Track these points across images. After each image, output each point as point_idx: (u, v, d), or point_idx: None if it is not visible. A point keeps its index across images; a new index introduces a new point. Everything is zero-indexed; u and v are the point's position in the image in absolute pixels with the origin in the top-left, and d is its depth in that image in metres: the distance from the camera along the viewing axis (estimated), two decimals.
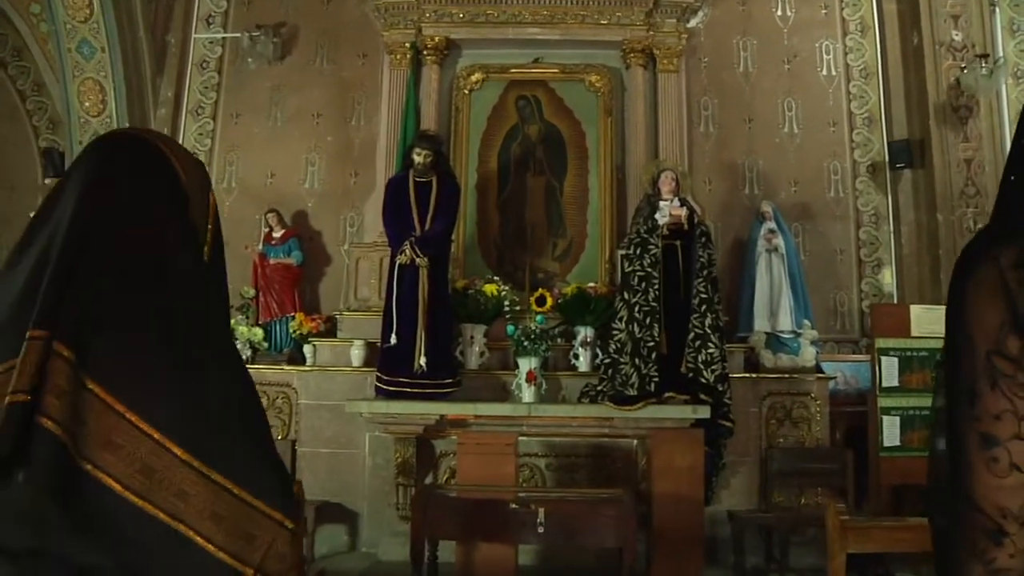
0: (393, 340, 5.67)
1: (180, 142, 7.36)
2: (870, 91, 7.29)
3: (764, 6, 7.46)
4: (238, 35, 7.40)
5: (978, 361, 0.90)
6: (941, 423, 0.97)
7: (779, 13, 7.46)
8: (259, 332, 6.49)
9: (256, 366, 6.35)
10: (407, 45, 7.09)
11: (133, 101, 7.07)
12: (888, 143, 7.04)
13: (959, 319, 0.93)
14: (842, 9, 7.45)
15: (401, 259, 5.75)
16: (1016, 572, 0.88)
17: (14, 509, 0.86)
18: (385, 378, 5.68)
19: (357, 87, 7.39)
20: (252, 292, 6.68)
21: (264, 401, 6.33)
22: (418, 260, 5.74)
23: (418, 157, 5.83)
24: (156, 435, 0.91)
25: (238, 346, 6.33)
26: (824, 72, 7.34)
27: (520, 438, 5.40)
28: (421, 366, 5.66)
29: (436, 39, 7.07)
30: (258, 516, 0.95)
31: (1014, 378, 0.87)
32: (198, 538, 0.91)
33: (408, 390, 5.63)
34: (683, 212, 5.87)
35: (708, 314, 5.68)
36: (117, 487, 0.89)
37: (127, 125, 6.94)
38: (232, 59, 7.52)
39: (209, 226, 1.11)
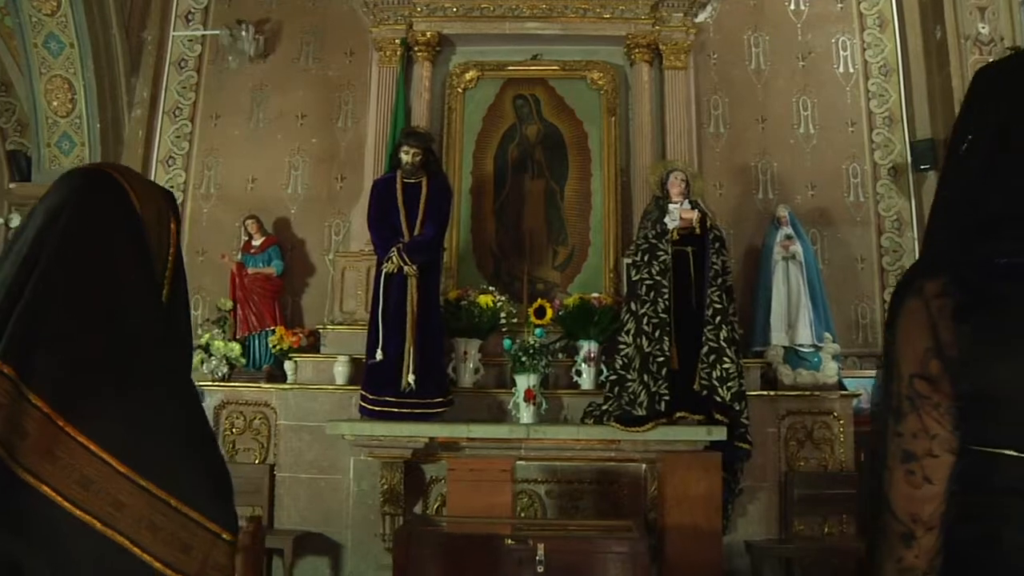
0: (379, 356, 5.18)
1: (156, 144, 6.97)
2: (890, 89, 6.84)
3: (776, 0, 7.03)
4: (218, 32, 6.97)
5: (903, 384, 1.03)
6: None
7: (792, 7, 7.03)
8: (236, 347, 6.00)
9: (232, 384, 5.89)
10: (397, 41, 6.66)
11: (105, 101, 6.63)
12: (911, 143, 6.58)
13: (890, 345, 1.07)
14: (859, 3, 7.02)
15: (387, 267, 5.28)
16: (919, 571, 1.02)
17: None
18: (370, 397, 5.20)
19: (344, 87, 6.95)
20: (229, 304, 6.20)
21: (240, 422, 5.93)
22: (406, 268, 5.27)
23: (406, 156, 5.37)
24: (94, 447, 0.95)
25: (214, 362, 5.88)
26: (841, 69, 6.89)
27: (518, 463, 4.97)
28: (409, 384, 5.17)
29: (428, 34, 6.64)
30: (195, 527, 1.00)
31: (930, 399, 1.00)
32: (134, 548, 0.96)
33: (395, 410, 5.13)
34: (695, 215, 5.40)
35: (723, 326, 5.19)
36: (53, 495, 0.94)
37: (98, 125, 6.53)
38: (212, 58, 7.09)
39: (171, 252, 1.15)
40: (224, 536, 1.01)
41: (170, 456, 1.00)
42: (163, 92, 7.02)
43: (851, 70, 6.88)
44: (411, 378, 5.17)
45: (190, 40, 7.14)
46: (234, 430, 5.81)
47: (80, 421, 0.96)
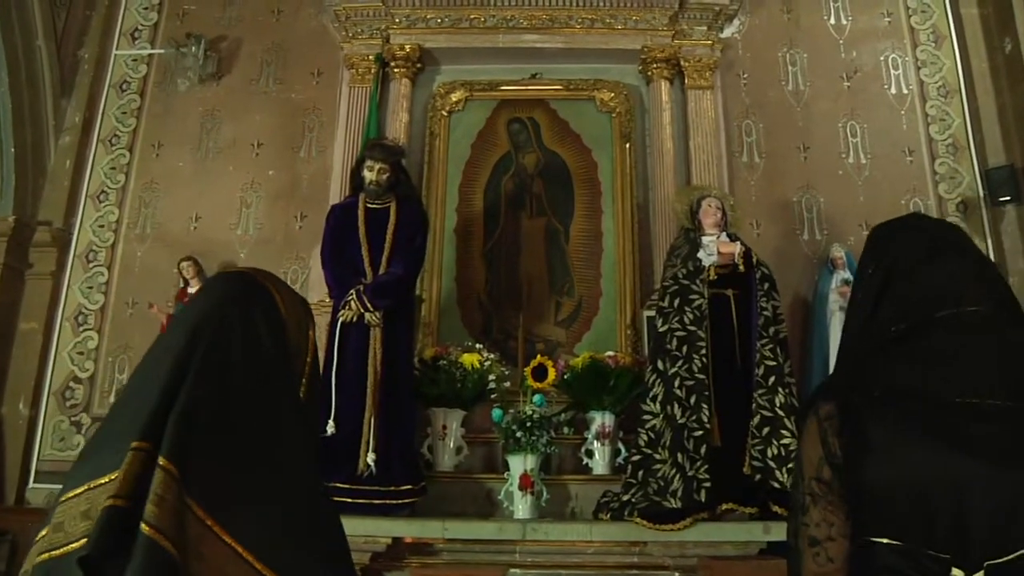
0: (330, 429, 3.98)
1: (87, 176, 5.84)
2: (952, 112, 5.79)
3: (813, 14, 6.06)
4: (163, 51, 5.99)
5: (806, 484, 1.31)
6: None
7: (832, 21, 6.05)
8: None
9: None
10: (371, 58, 5.66)
11: (25, 123, 5.58)
12: (985, 172, 5.49)
13: (797, 454, 1.36)
14: (909, 16, 6.05)
15: (344, 315, 4.13)
16: None
17: None
18: None
19: (309, 111, 5.91)
20: None
21: None
22: (368, 316, 4.11)
23: (369, 172, 4.28)
24: (239, 548, 0.99)
25: None
26: (893, 90, 5.86)
27: (511, 571, 3.83)
28: (369, 466, 3.97)
29: (407, 48, 5.65)
30: None
31: (826, 496, 1.29)
32: None
33: (349, 500, 3.88)
34: (736, 248, 4.27)
35: (778, 389, 3.98)
36: None
37: (12, 151, 5.47)
38: (159, 80, 6.09)
39: (308, 360, 1.23)
40: None
41: (307, 560, 1.04)
42: (99, 117, 5.98)
43: (904, 91, 5.85)
44: (371, 458, 3.97)
45: (134, 60, 6.15)
46: None
47: (227, 522, 0.99)
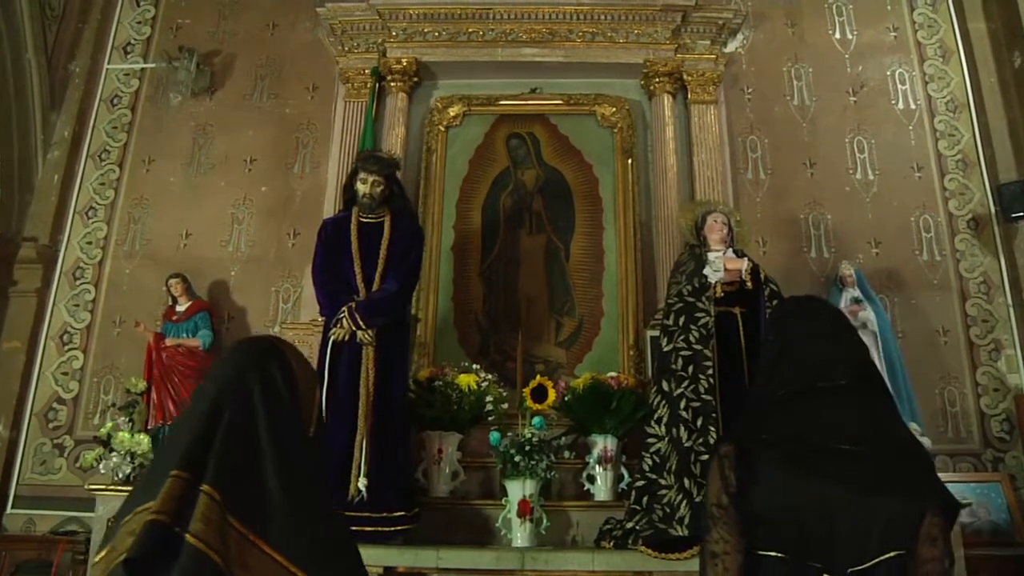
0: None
1: (75, 191, 5.67)
2: (961, 127, 5.67)
3: (818, 28, 5.96)
4: (154, 65, 5.88)
5: (709, 509, 1.66)
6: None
7: (837, 36, 5.94)
8: (145, 441, 4.58)
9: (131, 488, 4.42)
10: (367, 72, 5.54)
11: (12, 137, 5.45)
12: (997, 188, 5.35)
13: (705, 488, 1.74)
14: (916, 31, 5.94)
15: (336, 333, 3.96)
16: None
17: None
18: None
19: (303, 126, 5.79)
20: (142, 386, 4.84)
21: None
22: (360, 334, 3.94)
23: (363, 185, 4.12)
24: (279, 557, 1.16)
25: (115, 460, 4.56)
26: (900, 105, 5.74)
27: None
28: (360, 492, 3.78)
29: (404, 62, 5.53)
30: None
31: (722, 519, 1.63)
32: None
33: None
34: (743, 264, 4.10)
35: None
36: None
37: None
38: (151, 94, 5.97)
39: (315, 412, 1.42)
40: None
41: (339, 568, 1.25)
42: (89, 131, 5.85)
43: (912, 106, 5.73)
44: (362, 483, 3.78)
45: (126, 74, 6.03)
46: None
47: (267, 536, 1.16)
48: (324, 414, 3.73)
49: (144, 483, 1.25)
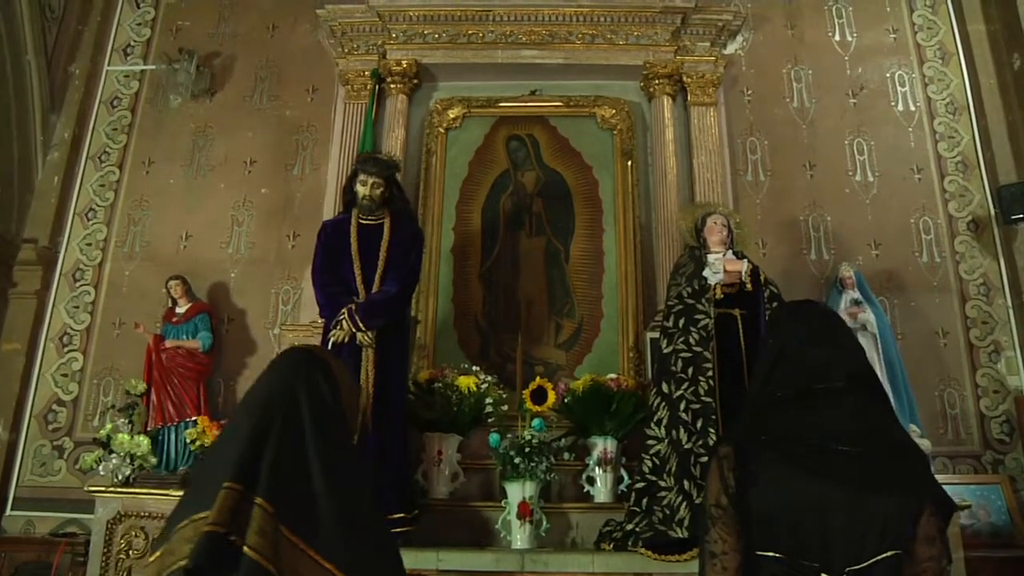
0: None
1: (75, 193, 5.66)
2: (961, 129, 5.67)
3: (817, 30, 5.96)
4: (155, 67, 5.88)
5: (708, 510, 1.69)
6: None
7: (837, 38, 5.95)
8: (144, 443, 4.57)
9: (134, 491, 4.42)
10: (367, 73, 5.54)
11: (12, 138, 5.44)
12: (996, 190, 5.35)
13: (704, 489, 1.76)
14: (915, 33, 5.94)
15: (336, 335, 3.95)
16: None
17: None
18: None
19: (303, 128, 5.79)
20: (142, 387, 4.83)
21: (141, 542, 4.39)
22: (360, 336, 3.93)
23: (363, 187, 4.12)
24: (328, 565, 1.23)
25: (114, 462, 4.55)
26: (900, 107, 5.74)
27: None
28: None
29: (404, 64, 5.53)
30: None
31: (722, 519, 1.65)
32: None
33: None
34: (743, 266, 4.10)
35: None
36: None
37: None
38: (151, 96, 5.97)
39: (359, 418, 1.57)
40: None
41: (379, 567, 1.33)
42: (89, 133, 5.85)
43: (912, 108, 5.73)
44: None
45: (126, 76, 6.03)
46: (131, 552, 4.31)
47: (316, 545, 1.23)
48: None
49: (195, 489, 1.33)
